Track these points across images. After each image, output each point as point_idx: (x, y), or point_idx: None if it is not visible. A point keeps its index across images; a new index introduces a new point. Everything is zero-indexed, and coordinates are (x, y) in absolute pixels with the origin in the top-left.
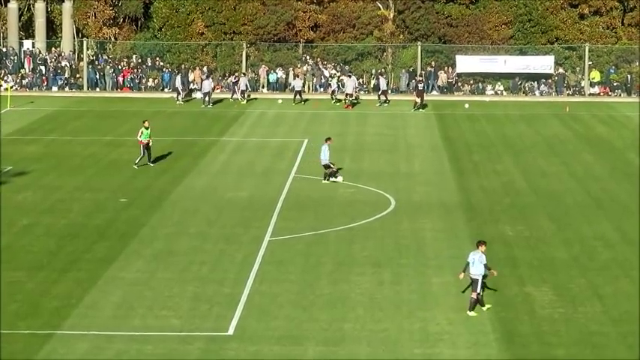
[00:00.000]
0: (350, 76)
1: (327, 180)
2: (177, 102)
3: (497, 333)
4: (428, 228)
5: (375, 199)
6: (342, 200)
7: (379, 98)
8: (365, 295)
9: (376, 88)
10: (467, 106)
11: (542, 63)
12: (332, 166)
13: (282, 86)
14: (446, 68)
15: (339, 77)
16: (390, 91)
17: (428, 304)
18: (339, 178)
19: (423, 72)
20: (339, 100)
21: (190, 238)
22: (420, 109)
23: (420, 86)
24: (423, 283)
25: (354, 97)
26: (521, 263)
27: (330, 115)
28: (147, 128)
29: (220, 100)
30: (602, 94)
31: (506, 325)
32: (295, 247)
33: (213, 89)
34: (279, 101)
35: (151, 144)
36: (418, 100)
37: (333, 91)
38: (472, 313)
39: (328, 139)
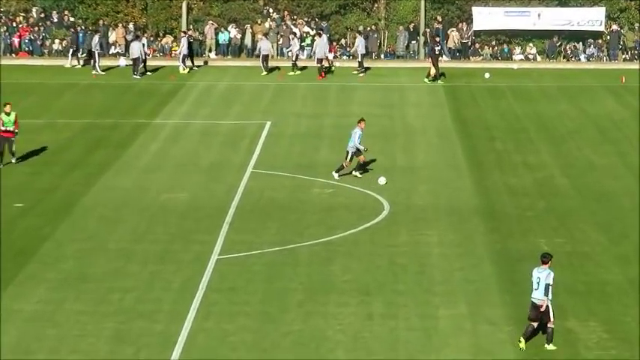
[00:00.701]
0: (320, 35)
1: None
2: (94, 71)
3: None
4: (434, 242)
5: (362, 202)
6: (317, 205)
7: (360, 66)
8: (347, 333)
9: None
10: (488, 75)
11: (590, 17)
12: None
13: (236, 49)
14: (459, 25)
15: (313, 37)
16: (382, 56)
17: (433, 345)
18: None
19: (428, 30)
20: (298, 68)
21: (110, 256)
22: (437, 81)
23: (437, 49)
24: (427, 317)
25: (326, 64)
26: (560, 289)
27: (302, 89)
28: (8, 114)
29: (156, 69)
30: None
31: None
32: (253, 268)
33: (146, 55)
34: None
35: (15, 136)
36: (434, 68)
37: (297, 57)
38: (551, 347)
39: (361, 120)
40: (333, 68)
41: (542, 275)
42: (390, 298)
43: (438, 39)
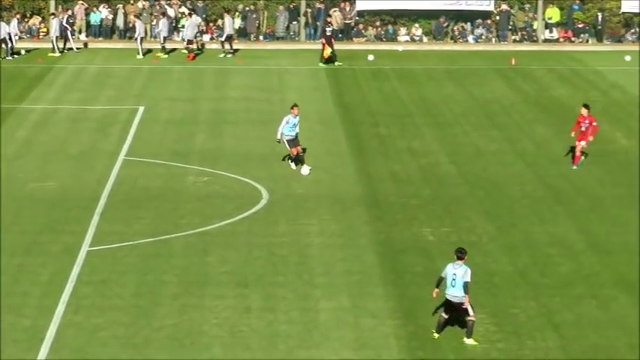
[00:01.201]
0: (191, 15)
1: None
2: None
3: None
4: (315, 232)
5: (239, 191)
6: (192, 193)
7: (223, 46)
8: (224, 327)
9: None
10: (371, 57)
11: None
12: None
13: (108, 30)
14: (342, 5)
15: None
16: (261, 37)
17: (314, 339)
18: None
19: (309, 10)
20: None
21: None
22: (333, 63)
23: (329, 30)
24: (308, 310)
25: (195, 46)
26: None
27: (176, 73)
28: None
29: (25, 52)
30: (562, 39)
31: None
32: (126, 260)
33: (13, 36)
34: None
35: None
36: (328, 49)
37: (164, 39)
38: (471, 341)
39: (294, 106)
40: (203, 50)
41: (458, 272)
42: (268, 291)
43: (329, 19)
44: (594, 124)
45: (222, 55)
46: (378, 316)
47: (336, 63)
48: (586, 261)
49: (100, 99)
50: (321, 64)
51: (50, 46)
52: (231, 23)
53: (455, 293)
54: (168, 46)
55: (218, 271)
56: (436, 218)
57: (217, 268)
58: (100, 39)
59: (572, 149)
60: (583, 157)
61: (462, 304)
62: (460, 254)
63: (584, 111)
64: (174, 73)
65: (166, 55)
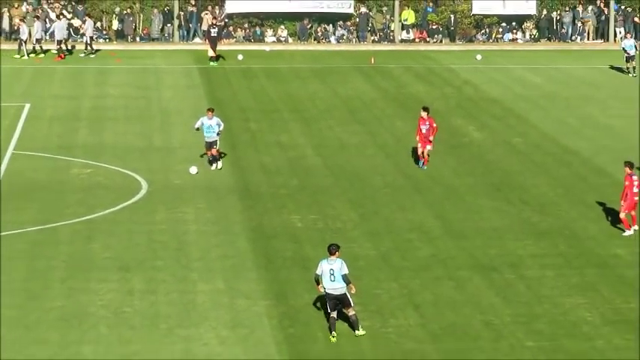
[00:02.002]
0: (60, 18)
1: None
2: None
3: (285, 355)
4: (191, 219)
5: (120, 182)
6: (77, 184)
7: (86, 48)
8: (109, 308)
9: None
10: (240, 57)
11: (339, 0)
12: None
13: None
14: (211, 8)
15: (69, 20)
16: (138, 39)
17: (192, 318)
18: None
19: (182, 13)
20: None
21: None
22: (214, 62)
23: (213, 31)
24: (186, 292)
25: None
26: (313, 264)
27: (59, 72)
28: None
29: None
30: (417, 40)
31: (296, 345)
32: (16, 246)
33: None
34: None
35: None
36: (212, 50)
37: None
38: (361, 332)
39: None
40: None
41: (335, 266)
42: (149, 275)
43: (215, 21)
44: (434, 125)
45: (82, 55)
46: (251, 298)
47: (213, 63)
48: (443, 245)
49: None
50: (212, 63)
51: None
52: (91, 25)
53: (335, 286)
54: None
55: (102, 257)
56: (304, 206)
57: (101, 254)
58: None
59: (418, 152)
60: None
61: (345, 294)
62: (332, 250)
63: (423, 114)
64: (57, 72)
65: (43, 55)
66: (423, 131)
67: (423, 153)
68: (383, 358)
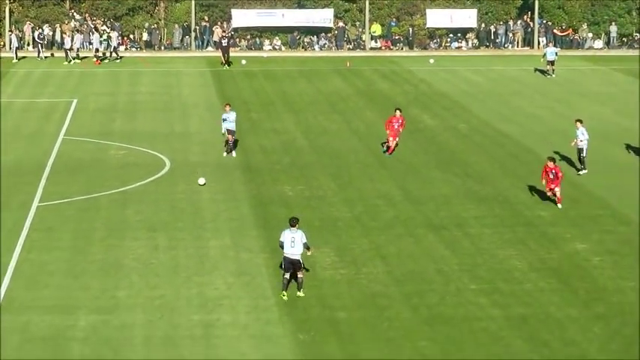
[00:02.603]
0: (93, 33)
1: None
2: None
3: (278, 297)
4: (205, 190)
5: (149, 160)
6: (114, 163)
7: (110, 54)
8: (139, 260)
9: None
10: (244, 62)
11: (322, 16)
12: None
13: (50, 44)
14: (220, 23)
15: (108, 34)
16: (162, 48)
17: (205, 268)
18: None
19: (198, 27)
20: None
21: None
22: (226, 66)
23: (225, 42)
24: (200, 247)
25: (100, 54)
26: (302, 224)
27: (100, 74)
28: None
29: None
30: (383, 47)
31: (287, 289)
32: (66, 212)
33: None
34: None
35: None
36: (223, 57)
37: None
38: (301, 293)
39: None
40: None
41: (296, 236)
42: (171, 234)
43: (224, 33)
44: (404, 122)
45: (110, 60)
46: (252, 251)
47: (225, 67)
48: (404, 209)
49: (44, 94)
50: (225, 67)
51: (9, 55)
52: (115, 37)
53: (294, 252)
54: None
55: (134, 220)
56: (294, 179)
57: (133, 218)
58: (43, 50)
59: (388, 144)
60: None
61: (299, 260)
62: (293, 222)
63: (397, 113)
64: (99, 74)
65: (79, 61)
66: (395, 127)
67: (391, 144)
68: (357, 299)
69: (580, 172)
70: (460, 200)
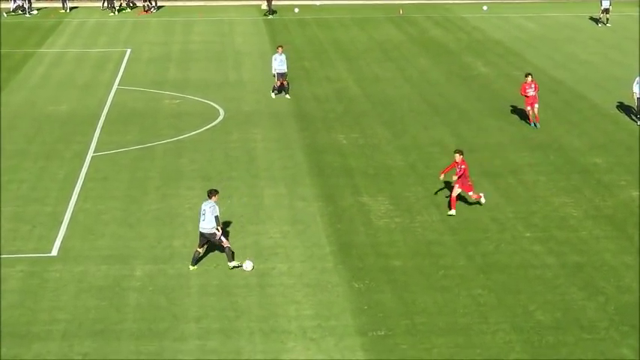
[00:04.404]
0: None
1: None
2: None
3: (333, 245)
4: (259, 139)
5: (202, 109)
6: (168, 112)
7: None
8: (194, 210)
9: None
10: (297, 10)
11: None
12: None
13: None
14: None
15: None
16: None
17: (260, 217)
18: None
19: None
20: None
21: (8, 156)
22: (270, 15)
23: None
24: (255, 196)
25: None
26: (356, 173)
27: (154, 24)
28: None
29: (39, 9)
30: None
31: (341, 237)
32: (121, 162)
33: None
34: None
35: None
36: (266, 5)
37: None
38: (234, 263)
39: (279, 46)
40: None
41: (206, 208)
42: (226, 183)
43: None
44: (537, 86)
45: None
46: (307, 200)
47: (270, 16)
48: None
49: (98, 44)
50: (269, 16)
51: (59, 4)
52: None
53: (205, 225)
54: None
55: (189, 169)
56: (347, 127)
57: (188, 167)
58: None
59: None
60: None
61: (214, 234)
62: (210, 194)
63: (528, 78)
64: (152, 24)
65: (130, 10)
66: (531, 94)
67: (530, 114)
68: (412, 247)
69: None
70: (514, 147)
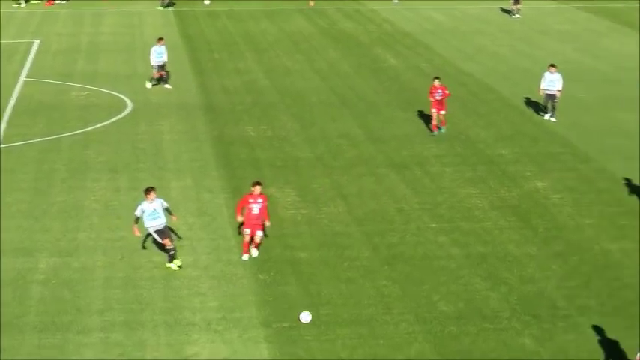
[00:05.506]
0: None
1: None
2: None
3: (239, 238)
4: (166, 131)
5: (110, 101)
6: (76, 104)
7: None
8: (100, 202)
9: None
10: (207, 2)
11: None
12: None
13: None
14: None
15: None
16: None
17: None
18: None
19: None
20: None
21: None
22: (169, 7)
23: None
24: (162, 188)
25: None
26: (263, 164)
27: (63, 15)
28: None
29: None
30: None
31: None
32: (27, 154)
33: None
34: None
35: None
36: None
37: None
38: (178, 262)
39: (160, 38)
40: None
41: (156, 205)
42: (133, 175)
43: None
44: (446, 92)
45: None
46: (213, 192)
47: (169, 9)
48: (365, 148)
49: (6, 35)
50: (159, 8)
51: None
52: None
53: (159, 222)
54: None
55: (96, 161)
56: (256, 119)
57: (95, 159)
58: None
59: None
60: None
61: (166, 227)
62: (148, 192)
63: (436, 82)
64: (61, 15)
65: (40, 1)
66: (437, 97)
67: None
68: (318, 239)
69: (548, 118)
70: (421, 139)
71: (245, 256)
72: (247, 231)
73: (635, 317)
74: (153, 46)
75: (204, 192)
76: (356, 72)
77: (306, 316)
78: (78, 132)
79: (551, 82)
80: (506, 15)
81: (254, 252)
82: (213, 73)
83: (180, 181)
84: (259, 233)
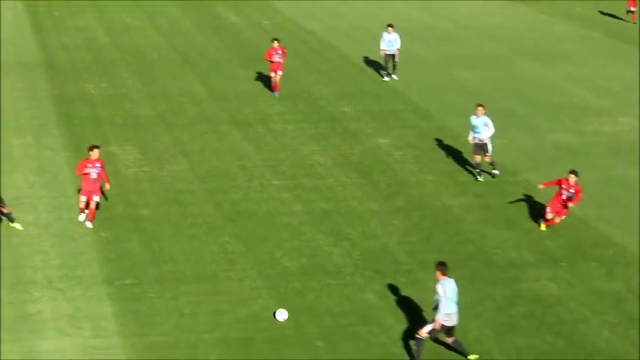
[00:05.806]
0: None
1: None
2: None
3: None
4: (6, 89)
5: None
6: None
7: None
8: None
9: None
10: None
11: None
12: None
13: None
14: None
15: None
16: None
17: (6, 167)
18: None
19: None
20: None
21: None
22: None
23: None
24: (2, 145)
25: None
26: (104, 122)
27: None
28: None
29: None
30: None
31: None
32: None
33: None
34: None
35: None
36: None
37: None
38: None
39: None
40: None
41: None
42: None
43: None
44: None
45: None
46: (54, 149)
47: None
48: (207, 106)
49: None
50: None
51: None
52: None
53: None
54: None
55: None
56: (96, 77)
57: None
58: None
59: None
60: None
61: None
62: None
63: (275, 43)
64: None
65: None
66: (276, 59)
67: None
68: (161, 196)
69: (388, 79)
70: (264, 97)
71: (82, 216)
72: (83, 198)
73: (476, 271)
74: None
75: (45, 150)
76: (197, 29)
77: (281, 314)
78: None
79: (390, 43)
80: None
81: (88, 224)
82: (53, 30)
83: (21, 138)
84: (95, 198)
